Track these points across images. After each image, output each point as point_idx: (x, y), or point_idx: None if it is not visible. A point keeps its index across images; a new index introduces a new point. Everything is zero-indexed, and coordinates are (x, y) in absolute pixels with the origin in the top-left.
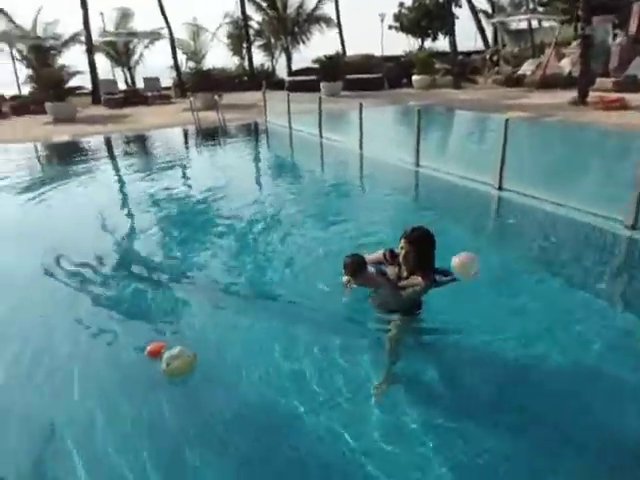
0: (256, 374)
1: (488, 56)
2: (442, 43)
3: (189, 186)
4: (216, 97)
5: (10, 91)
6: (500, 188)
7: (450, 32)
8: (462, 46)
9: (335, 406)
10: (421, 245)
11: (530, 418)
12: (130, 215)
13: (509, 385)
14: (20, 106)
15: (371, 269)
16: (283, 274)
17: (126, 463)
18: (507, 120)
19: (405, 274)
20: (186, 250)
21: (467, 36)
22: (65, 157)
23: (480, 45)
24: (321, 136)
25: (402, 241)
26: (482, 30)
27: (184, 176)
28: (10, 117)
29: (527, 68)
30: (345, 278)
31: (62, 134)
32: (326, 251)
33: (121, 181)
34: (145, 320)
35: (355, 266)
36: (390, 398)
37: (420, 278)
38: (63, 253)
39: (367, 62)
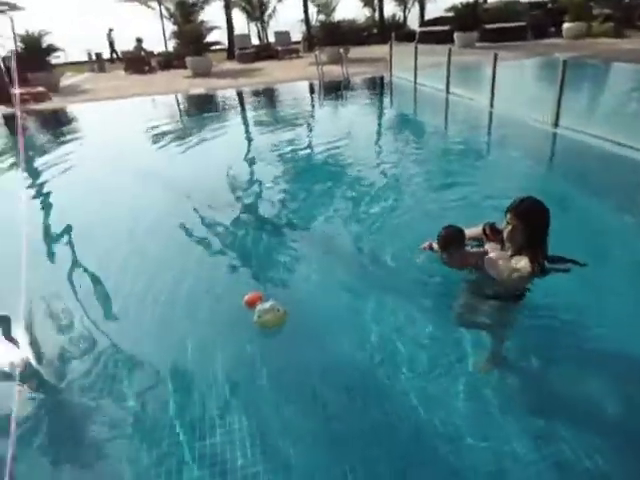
0: (350, 337)
1: None
2: None
3: (306, 140)
4: (341, 51)
5: (158, 48)
6: None
7: None
8: None
9: (432, 379)
10: (531, 219)
11: None
12: (250, 166)
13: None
14: (165, 61)
15: (467, 248)
16: (391, 238)
17: (215, 404)
18: None
19: (510, 253)
20: (299, 205)
21: None
22: (200, 108)
23: None
24: (448, 91)
25: (508, 215)
26: None
27: (302, 129)
28: (156, 71)
29: None
30: (427, 245)
31: (199, 87)
32: (442, 216)
33: (245, 131)
34: (251, 270)
35: (450, 239)
36: (492, 380)
37: (527, 260)
38: (188, 197)
39: (509, 9)
